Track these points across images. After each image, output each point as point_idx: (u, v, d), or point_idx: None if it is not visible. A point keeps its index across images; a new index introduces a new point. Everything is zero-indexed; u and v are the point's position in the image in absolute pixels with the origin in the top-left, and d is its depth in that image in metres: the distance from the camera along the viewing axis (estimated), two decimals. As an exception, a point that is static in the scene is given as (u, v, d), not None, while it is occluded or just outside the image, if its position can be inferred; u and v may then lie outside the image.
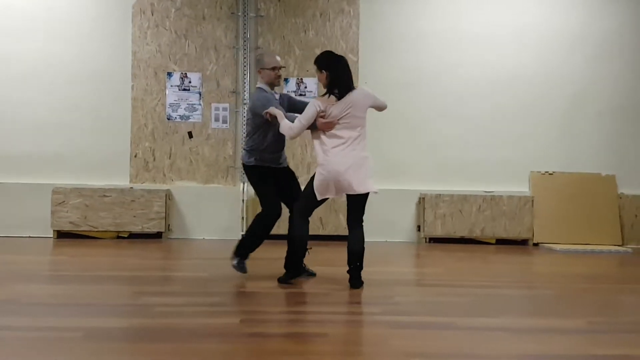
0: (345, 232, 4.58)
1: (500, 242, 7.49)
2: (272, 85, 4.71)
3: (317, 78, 4.75)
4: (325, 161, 4.32)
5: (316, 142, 4.40)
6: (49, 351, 2.80)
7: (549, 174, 7.72)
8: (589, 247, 7.12)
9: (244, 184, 7.33)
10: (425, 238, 7.47)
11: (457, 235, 7.47)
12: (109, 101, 7.55)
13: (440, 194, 7.50)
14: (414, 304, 4.00)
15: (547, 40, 7.79)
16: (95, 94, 7.54)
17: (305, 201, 4.51)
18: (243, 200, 7.38)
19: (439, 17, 7.77)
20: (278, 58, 4.78)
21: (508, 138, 7.75)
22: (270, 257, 4.95)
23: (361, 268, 4.47)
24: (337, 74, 4.35)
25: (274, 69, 4.67)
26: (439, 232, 7.45)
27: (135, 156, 7.58)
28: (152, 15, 7.60)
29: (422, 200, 7.51)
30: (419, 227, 7.56)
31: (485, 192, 7.62)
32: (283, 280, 4.52)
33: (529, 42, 7.77)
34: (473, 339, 3.17)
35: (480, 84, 7.75)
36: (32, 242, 6.89)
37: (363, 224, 4.53)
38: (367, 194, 4.47)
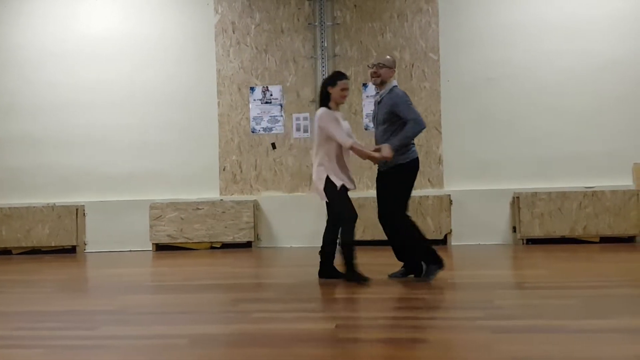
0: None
1: (605, 240, 7.01)
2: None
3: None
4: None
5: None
6: (158, 358, 2.91)
7: (655, 165, 7.14)
8: None
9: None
10: (522, 239, 7.12)
11: (557, 235, 7.07)
12: (198, 119, 7.89)
13: (536, 192, 7.14)
14: (517, 308, 3.79)
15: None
16: (185, 113, 7.91)
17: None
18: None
19: (522, 7, 7.46)
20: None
21: (607, 129, 7.26)
22: (364, 262, 4.90)
23: None
24: None
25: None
26: (536, 233, 7.08)
27: (224, 169, 7.85)
28: (234, 33, 7.87)
29: (516, 200, 7.17)
30: (514, 227, 7.23)
31: (586, 187, 7.15)
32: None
33: (624, 27, 7.28)
34: (585, 342, 2.95)
35: (575, 74, 7.34)
36: (133, 256, 7.29)
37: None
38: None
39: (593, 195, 7.07)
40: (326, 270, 4.86)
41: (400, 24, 7.65)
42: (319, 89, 7.77)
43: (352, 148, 4.61)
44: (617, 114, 7.26)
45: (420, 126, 4.57)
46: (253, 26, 7.86)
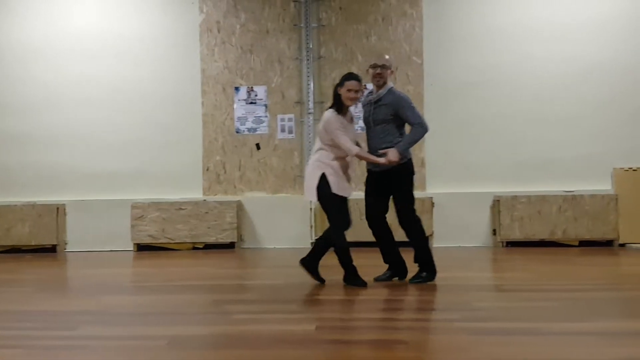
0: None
1: (584, 243, 7.11)
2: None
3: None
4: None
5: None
6: (137, 358, 2.90)
7: (633, 170, 7.26)
8: (683, 247, 6.64)
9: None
10: (502, 242, 7.20)
11: (537, 238, 7.16)
12: (182, 118, 7.84)
13: (516, 196, 7.22)
14: (495, 310, 3.84)
15: (628, 30, 7.37)
16: (169, 112, 7.85)
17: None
18: (311, 208, 7.43)
19: (506, 12, 7.54)
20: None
21: (588, 134, 7.37)
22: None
23: None
24: None
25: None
26: (516, 236, 7.17)
27: (208, 169, 7.81)
28: (219, 32, 7.84)
29: (497, 203, 7.25)
30: (494, 230, 7.31)
31: (566, 191, 7.26)
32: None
33: (605, 33, 7.38)
34: (563, 344, 3.00)
35: (556, 79, 7.44)
36: (114, 256, 7.22)
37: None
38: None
39: (573, 199, 7.17)
40: (308, 261, 4.76)
41: (384, 27, 7.69)
42: (303, 90, 7.87)
43: (357, 155, 4.58)
44: (597, 119, 7.38)
45: (425, 130, 4.71)
46: (238, 26, 7.84)
